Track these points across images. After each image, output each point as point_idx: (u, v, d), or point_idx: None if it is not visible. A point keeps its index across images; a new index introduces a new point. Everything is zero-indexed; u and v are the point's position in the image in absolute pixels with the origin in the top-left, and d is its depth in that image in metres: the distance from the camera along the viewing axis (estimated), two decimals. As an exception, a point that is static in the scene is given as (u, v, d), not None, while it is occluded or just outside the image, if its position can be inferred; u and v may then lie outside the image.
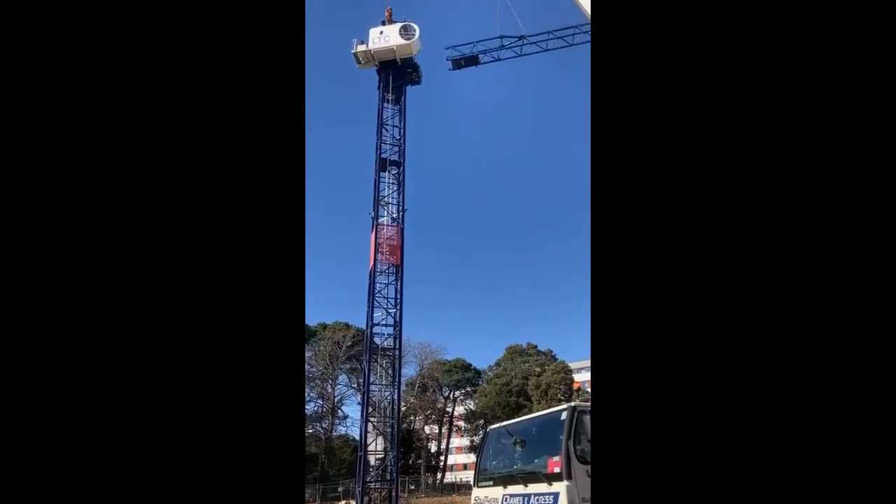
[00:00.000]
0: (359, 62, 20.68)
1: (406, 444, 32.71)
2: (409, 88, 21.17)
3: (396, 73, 20.75)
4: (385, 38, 20.40)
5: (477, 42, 20.18)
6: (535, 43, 19.31)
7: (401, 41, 20.21)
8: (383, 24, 20.88)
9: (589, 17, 14.63)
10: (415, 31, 20.47)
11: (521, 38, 19.37)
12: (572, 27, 17.41)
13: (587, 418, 5.39)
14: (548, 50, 19.32)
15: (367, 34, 20.61)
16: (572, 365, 38.48)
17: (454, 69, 20.75)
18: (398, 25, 20.53)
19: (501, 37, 19.59)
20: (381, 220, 19.24)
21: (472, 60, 20.35)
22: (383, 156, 19.91)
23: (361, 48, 20.41)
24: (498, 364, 38.70)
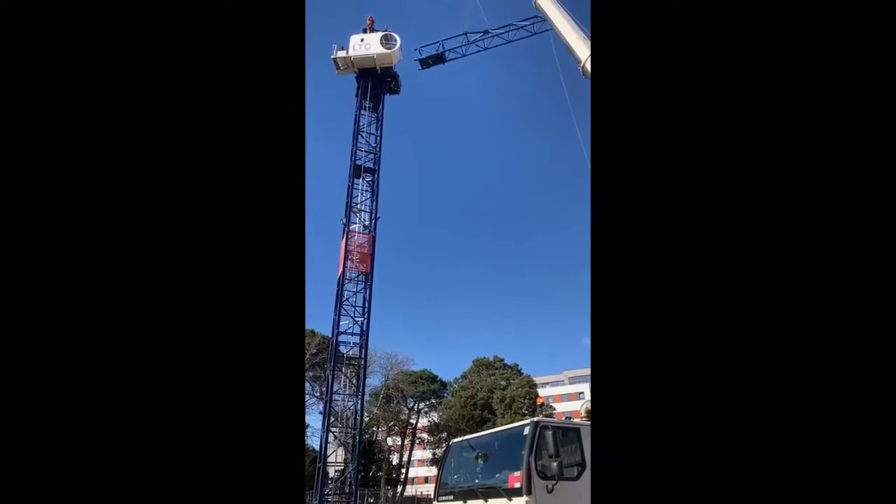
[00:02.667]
0: (338, 67, 20.60)
1: (367, 455, 32.12)
2: (387, 97, 21.20)
3: (375, 82, 20.75)
4: (366, 45, 20.42)
5: (444, 40, 20.38)
6: (498, 35, 19.42)
7: (382, 50, 20.26)
8: (364, 31, 20.90)
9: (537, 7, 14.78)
10: (396, 40, 20.57)
11: (485, 32, 19.49)
12: (534, 16, 17.48)
13: (549, 434, 5.43)
14: (510, 41, 19.46)
15: (348, 40, 20.61)
16: (537, 380, 38.77)
17: (422, 69, 20.97)
18: (379, 34, 20.60)
19: (466, 33, 19.77)
20: (352, 227, 19.05)
21: (438, 59, 20.57)
22: (358, 162, 19.79)
23: (341, 54, 20.35)
24: (464, 376, 38.63)
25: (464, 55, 20.29)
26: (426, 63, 20.68)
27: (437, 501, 6.62)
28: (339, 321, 18.13)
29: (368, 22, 21.14)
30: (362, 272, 18.67)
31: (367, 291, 18.56)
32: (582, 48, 12.78)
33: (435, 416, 38.31)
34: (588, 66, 12.32)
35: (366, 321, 18.29)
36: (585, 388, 48.77)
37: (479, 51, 19.99)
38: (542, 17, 16.71)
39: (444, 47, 20.29)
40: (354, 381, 18.39)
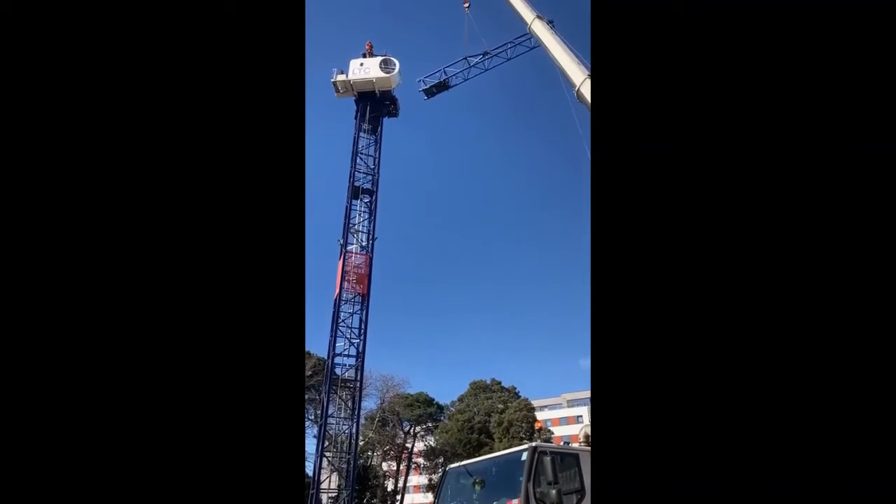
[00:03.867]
0: (337, 91, 20.90)
1: (361, 481, 31.38)
2: (385, 120, 21.45)
3: (374, 105, 21.03)
4: (365, 69, 20.76)
5: (445, 67, 20.64)
6: (497, 55, 19.65)
7: (381, 74, 20.59)
8: (364, 56, 21.28)
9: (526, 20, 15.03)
10: (395, 65, 20.93)
11: (484, 54, 19.74)
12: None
13: (548, 459, 5.33)
14: (510, 59, 19.63)
15: (347, 65, 20.97)
16: (535, 403, 38.25)
17: (428, 98, 21.23)
18: (379, 59, 20.97)
19: (466, 58, 20.02)
20: (350, 247, 19.03)
21: (442, 86, 20.82)
22: (356, 184, 19.90)
23: (341, 78, 20.67)
24: (461, 399, 38.08)
25: (466, 79, 20.61)
26: (431, 92, 20.95)
27: (433, 530, 6.44)
28: (335, 343, 17.94)
29: (367, 47, 21.55)
30: (359, 293, 18.57)
31: (364, 313, 18.43)
32: (576, 73, 12.97)
33: (431, 440, 37.61)
34: (583, 91, 12.50)
35: (362, 343, 18.12)
36: (584, 411, 48.05)
37: (480, 72, 20.31)
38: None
39: (445, 74, 20.61)
40: (350, 404, 18.09)
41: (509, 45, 19.32)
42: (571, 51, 13.70)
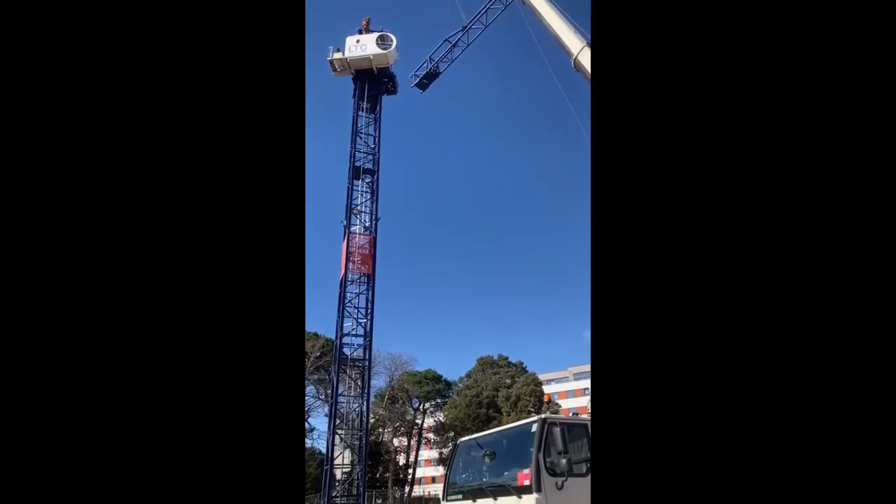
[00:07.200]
0: (334, 70, 20.56)
1: (374, 457, 32.11)
2: (384, 97, 21.16)
3: (372, 83, 20.71)
4: (362, 46, 20.37)
5: (430, 55, 20.11)
6: (473, 28, 18.97)
7: (378, 51, 20.21)
8: (360, 32, 20.86)
9: None
10: (392, 41, 20.51)
11: (463, 28, 19.04)
12: None
13: (557, 431, 5.40)
14: (488, 25, 18.96)
15: (344, 42, 20.59)
16: (542, 377, 38.73)
17: (423, 91, 20.87)
18: (375, 35, 20.55)
19: (447, 39, 19.41)
20: (353, 228, 19.03)
21: (432, 75, 20.40)
22: (357, 164, 19.77)
23: (337, 56, 20.31)
24: (469, 375, 38.59)
25: (452, 61, 20.09)
26: (423, 84, 20.51)
27: (446, 501, 6.59)
28: (342, 323, 18.10)
29: (364, 23, 21.09)
30: (364, 273, 18.64)
31: (370, 293, 18.53)
32: (573, 41, 12.63)
33: (441, 416, 38.30)
34: (581, 59, 12.20)
35: (369, 322, 18.27)
36: (590, 383, 48.51)
37: (464, 48, 19.73)
38: None
39: (432, 61, 20.12)
40: (359, 383, 18.37)
41: (482, 11, 18.71)
42: (567, 19, 13.32)
